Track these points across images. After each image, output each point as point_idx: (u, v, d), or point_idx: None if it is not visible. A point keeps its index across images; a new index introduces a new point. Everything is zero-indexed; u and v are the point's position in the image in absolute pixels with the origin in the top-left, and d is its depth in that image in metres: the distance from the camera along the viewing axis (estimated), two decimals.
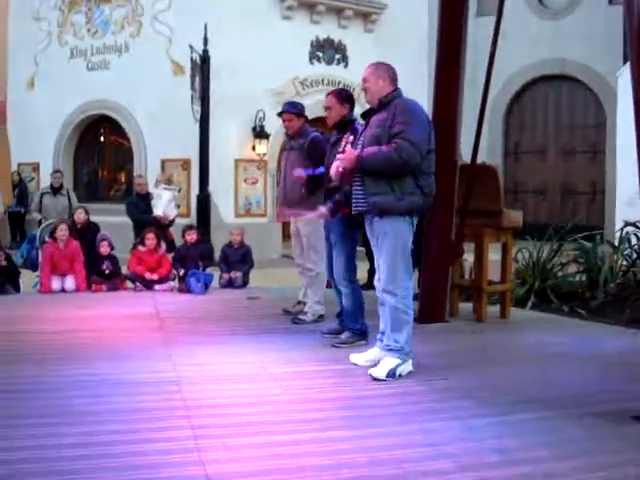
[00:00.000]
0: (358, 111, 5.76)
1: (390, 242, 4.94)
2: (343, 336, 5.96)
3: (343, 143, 5.09)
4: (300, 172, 6.40)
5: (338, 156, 5.09)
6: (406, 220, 4.96)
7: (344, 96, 6.15)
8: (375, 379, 4.84)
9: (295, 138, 6.89)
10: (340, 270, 5.94)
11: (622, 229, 9.11)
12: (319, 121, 9.62)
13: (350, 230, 5.81)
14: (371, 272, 8.17)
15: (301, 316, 6.89)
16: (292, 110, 6.91)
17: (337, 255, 5.96)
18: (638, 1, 4.19)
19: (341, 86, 15.29)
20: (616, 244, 9.02)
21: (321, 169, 6.06)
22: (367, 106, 5.23)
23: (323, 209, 5.92)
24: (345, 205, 5.48)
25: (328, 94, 6.23)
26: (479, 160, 7.15)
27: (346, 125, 5.93)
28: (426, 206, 5.11)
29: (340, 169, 5.05)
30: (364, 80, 5.13)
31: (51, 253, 9.15)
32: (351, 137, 5.16)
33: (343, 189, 5.38)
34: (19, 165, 16.89)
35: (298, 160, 6.72)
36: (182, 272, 9.22)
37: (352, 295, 5.93)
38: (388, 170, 4.84)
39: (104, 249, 9.45)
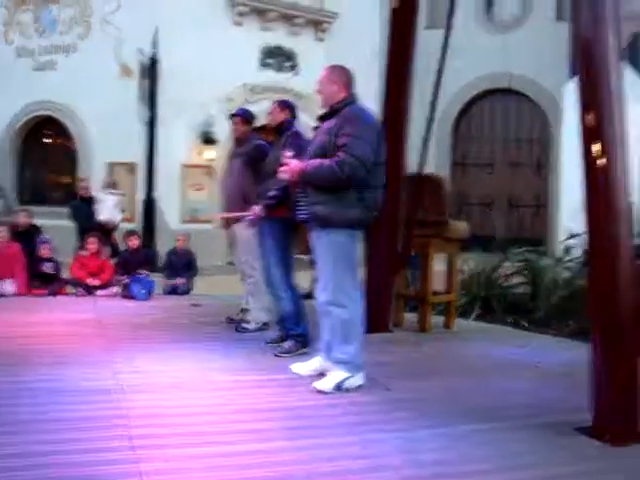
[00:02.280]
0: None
1: (332, 253, 4.84)
2: (286, 345, 5.89)
3: (283, 155, 5.07)
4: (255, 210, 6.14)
5: (282, 169, 5.01)
6: (347, 232, 4.83)
7: (283, 103, 6.35)
8: (320, 392, 4.76)
9: (241, 144, 6.96)
10: (277, 275, 5.91)
11: (565, 240, 9.23)
12: (271, 128, 9.60)
13: (286, 234, 5.82)
14: (315, 281, 8.14)
15: (244, 325, 6.83)
16: (240, 113, 7.07)
17: (272, 260, 5.93)
18: (585, 19, 4.23)
19: (291, 93, 15.35)
20: (559, 256, 9.13)
21: (272, 192, 5.87)
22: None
23: (257, 209, 5.96)
24: (282, 206, 5.58)
25: (273, 103, 6.43)
26: (426, 171, 7.18)
27: (283, 129, 6.09)
28: (370, 220, 4.94)
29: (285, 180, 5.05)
30: (318, 83, 5.03)
31: None
32: (289, 153, 5.12)
33: (279, 185, 5.43)
34: None
35: (242, 167, 6.78)
36: (125, 280, 9.09)
37: (291, 300, 5.90)
38: (331, 184, 4.74)
39: (45, 252, 9.28)
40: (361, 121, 4.83)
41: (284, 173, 4.97)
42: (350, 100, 4.95)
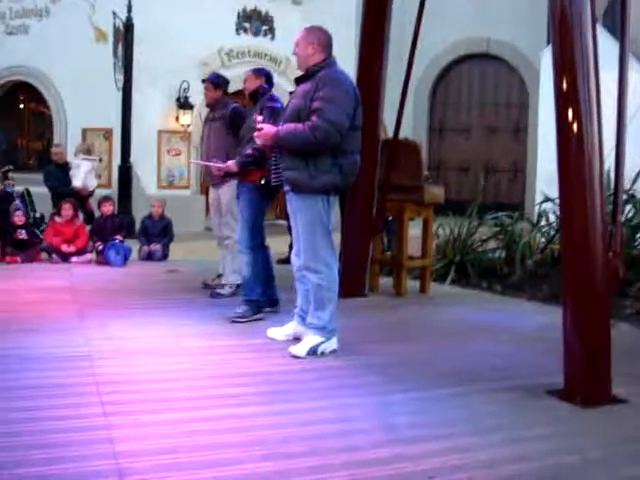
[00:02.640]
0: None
1: (307, 218, 4.82)
2: (240, 309, 5.88)
3: (255, 120, 5.06)
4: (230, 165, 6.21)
5: (256, 133, 4.96)
6: (322, 198, 4.78)
7: (259, 71, 6.38)
8: (295, 357, 4.77)
9: (216, 109, 6.98)
10: (243, 237, 5.90)
11: (540, 205, 9.24)
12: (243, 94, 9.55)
13: (258, 197, 5.81)
14: (292, 246, 8.15)
15: (219, 290, 6.82)
16: (211, 79, 7.07)
17: (241, 222, 5.93)
18: None
19: (267, 58, 15.24)
20: (535, 221, 9.15)
21: (248, 151, 5.95)
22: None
23: (231, 163, 6.07)
24: (257, 170, 5.59)
25: (247, 71, 6.46)
26: (402, 136, 7.16)
27: (258, 96, 6.11)
28: (345, 186, 4.91)
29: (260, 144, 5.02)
30: (295, 44, 4.93)
31: None
32: (259, 117, 5.10)
33: (254, 145, 5.42)
34: None
35: (220, 130, 6.80)
36: (100, 247, 9.05)
37: (252, 264, 5.87)
38: (305, 148, 4.69)
39: (18, 219, 9.21)
40: (337, 85, 4.74)
41: (258, 138, 4.93)
42: (327, 63, 4.85)
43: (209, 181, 7.28)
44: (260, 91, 6.11)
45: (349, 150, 4.81)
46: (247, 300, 5.90)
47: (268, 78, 6.26)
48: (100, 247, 9.06)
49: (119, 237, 9.16)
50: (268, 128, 4.86)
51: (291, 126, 4.74)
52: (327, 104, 4.64)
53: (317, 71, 4.81)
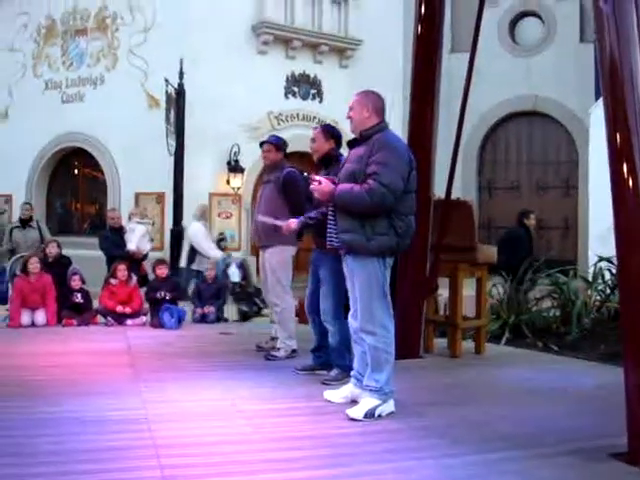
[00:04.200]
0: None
1: (363, 281, 4.82)
2: (333, 373, 5.86)
3: (311, 179, 5.00)
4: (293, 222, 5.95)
5: (312, 187, 4.96)
6: (378, 260, 4.79)
7: (329, 130, 6.09)
8: (352, 419, 4.72)
9: (272, 171, 6.95)
10: (329, 308, 5.83)
11: (596, 264, 9.13)
12: (298, 156, 9.69)
13: (339, 267, 5.60)
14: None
15: (274, 352, 6.82)
16: (272, 141, 7.03)
17: (326, 292, 5.85)
18: (610, 40, 4.22)
19: (316, 121, 15.43)
20: (589, 279, 9.04)
21: (312, 214, 5.79)
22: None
23: (293, 222, 5.84)
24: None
25: (315, 128, 6.25)
26: (453, 196, 7.16)
27: (330, 160, 5.88)
28: (401, 248, 4.89)
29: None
30: (350, 108, 4.98)
31: (21, 286, 9.06)
32: (317, 177, 5.09)
33: (321, 210, 5.39)
34: None
35: (272, 193, 6.79)
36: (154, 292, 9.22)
37: (339, 333, 5.81)
38: (360, 210, 4.72)
39: (75, 283, 9.38)
40: (391, 149, 4.79)
41: (315, 192, 4.95)
42: (381, 127, 4.90)
43: (257, 243, 7.28)
44: (333, 154, 5.91)
45: (403, 212, 4.82)
46: (338, 365, 5.86)
47: (338, 139, 5.99)
48: (154, 299, 9.26)
49: (168, 295, 9.25)
50: (326, 184, 4.88)
51: (347, 186, 4.77)
52: (382, 168, 4.68)
53: (371, 135, 4.85)
